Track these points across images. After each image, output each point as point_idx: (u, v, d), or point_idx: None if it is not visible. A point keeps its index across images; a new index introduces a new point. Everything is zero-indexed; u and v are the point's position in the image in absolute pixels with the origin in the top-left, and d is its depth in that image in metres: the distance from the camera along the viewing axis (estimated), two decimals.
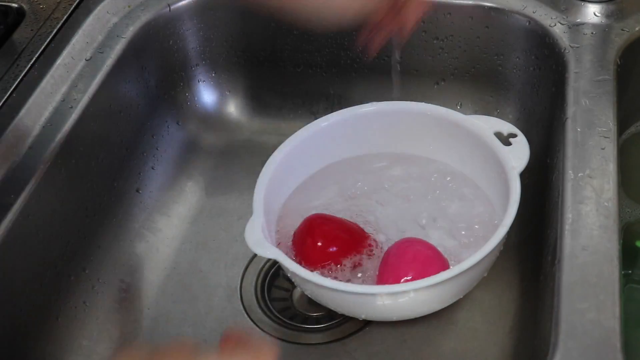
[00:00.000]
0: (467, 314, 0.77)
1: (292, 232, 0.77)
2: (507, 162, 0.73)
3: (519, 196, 0.70)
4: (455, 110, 0.86)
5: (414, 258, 0.72)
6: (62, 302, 0.75)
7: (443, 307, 0.72)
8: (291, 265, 0.68)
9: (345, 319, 0.76)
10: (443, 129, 0.80)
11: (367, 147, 0.83)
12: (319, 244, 0.75)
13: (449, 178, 0.81)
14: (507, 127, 0.77)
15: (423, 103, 0.81)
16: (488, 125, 0.77)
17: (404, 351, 0.74)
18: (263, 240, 0.69)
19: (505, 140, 0.76)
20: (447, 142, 0.80)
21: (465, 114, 0.92)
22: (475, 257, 0.67)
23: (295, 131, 0.80)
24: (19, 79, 0.77)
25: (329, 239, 0.75)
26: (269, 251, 0.69)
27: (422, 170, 0.82)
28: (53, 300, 0.74)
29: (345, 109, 0.81)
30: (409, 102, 0.81)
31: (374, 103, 0.82)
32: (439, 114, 0.80)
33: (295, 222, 0.77)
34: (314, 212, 0.79)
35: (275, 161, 0.77)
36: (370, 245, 0.76)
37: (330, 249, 0.74)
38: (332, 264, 0.74)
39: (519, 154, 0.74)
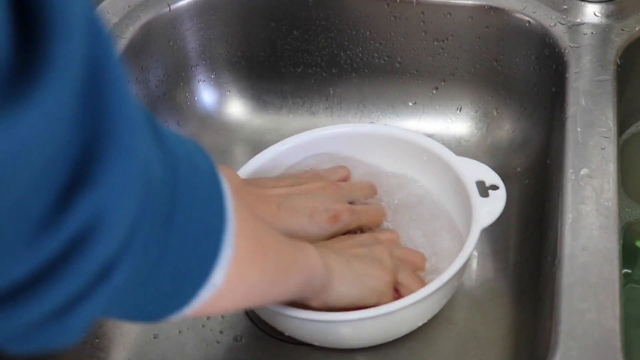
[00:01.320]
0: (467, 314, 0.76)
1: None
2: (474, 215, 0.71)
3: (469, 253, 0.69)
4: (455, 116, 0.86)
5: None
6: None
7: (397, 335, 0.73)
8: None
9: None
10: (428, 161, 0.78)
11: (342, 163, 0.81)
12: None
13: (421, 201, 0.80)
14: (491, 177, 0.75)
15: (418, 133, 0.81)
16: (474, 170, 0.75)
17: (404, 351, 0.74)
18: None
19: (485, 190, 0.74)
20: (427, 174, 0.79)
21: (466, 114, 0.92)
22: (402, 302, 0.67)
23: (295, 131, 0.80)
24: None
25: None
26: None
27: (393, 187, 0.80)
28: None
29: (329, 127, 0.82)
30: (403, 129, 0.82)
31: (358, 124, 0.84)
32: (431, 147, 0.78)
33: None
34: None
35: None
36: None
37: None
38: None
39: (490, 208, 0.72)
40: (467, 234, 0.70)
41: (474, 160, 0.77)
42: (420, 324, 0.72)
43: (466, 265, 0.70)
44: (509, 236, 0.82)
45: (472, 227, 0.71)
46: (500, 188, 0.74)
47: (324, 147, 0.80)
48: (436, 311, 0.72)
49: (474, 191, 0.73)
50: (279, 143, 0.79)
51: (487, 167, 0.76)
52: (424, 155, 0.78)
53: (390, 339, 0.73)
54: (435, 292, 0.68)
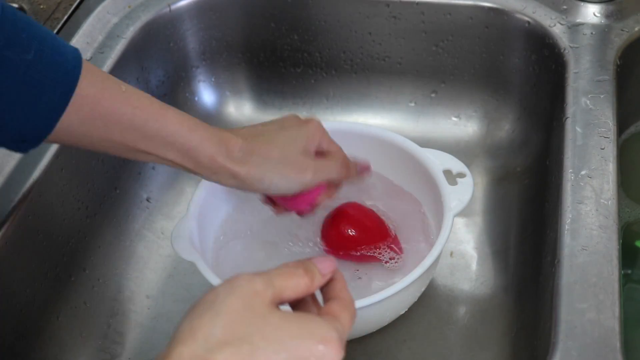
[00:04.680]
0: (467, 313, 0.77)
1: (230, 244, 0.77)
2: (446, 202, 0.72)
3: (445, 239, 0.70)
4: (455, 117, 0.86)
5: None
6: (62, 302, 0.75)
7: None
8: (205, 272, 0.68)
9: None
10: (394, 156, 0.79)
11: None
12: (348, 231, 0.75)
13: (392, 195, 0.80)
14: (458, 166, 0.76)
15: (382, 129, 0.80)
16: (440, 160, 0.76)
17: (404, 351, 0.74)
18: (187, 243, 0.70)
19: (453, 178, 0.75)
20: (397, 169, 0.80)
21: (466, 114, 0.92)
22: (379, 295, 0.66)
23: None
24: None
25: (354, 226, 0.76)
26: (190, 255, 0.69)
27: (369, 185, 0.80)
28: (53, 300, 0.74)
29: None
30: (367, 125, 0.81)
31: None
32: (395, 141, 0.79)
33: (236, 232, 0.78)
34: (254, 225, 0.78)
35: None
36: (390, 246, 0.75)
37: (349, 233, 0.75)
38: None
39: (460, 195, 0.73)
40: (440, 223, 0.71)
41: (439, 151, 0.77)
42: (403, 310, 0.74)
43: (441, 253, 0.71)
44: (508, 236, 0.82)
45: (445, 214, 0.71)
46: (467, 176, 0.75)
47: None
48: (416, 298, 0.74)
49: (442, 180, 0.74)
50: None
51: (451, 156, 0.77)
52: (390, 149, 0.79)
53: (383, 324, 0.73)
54: (421, 276, 0.68)
